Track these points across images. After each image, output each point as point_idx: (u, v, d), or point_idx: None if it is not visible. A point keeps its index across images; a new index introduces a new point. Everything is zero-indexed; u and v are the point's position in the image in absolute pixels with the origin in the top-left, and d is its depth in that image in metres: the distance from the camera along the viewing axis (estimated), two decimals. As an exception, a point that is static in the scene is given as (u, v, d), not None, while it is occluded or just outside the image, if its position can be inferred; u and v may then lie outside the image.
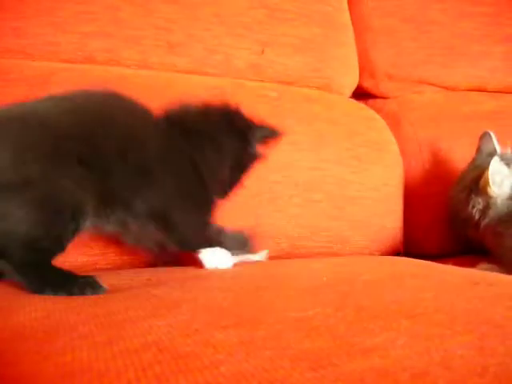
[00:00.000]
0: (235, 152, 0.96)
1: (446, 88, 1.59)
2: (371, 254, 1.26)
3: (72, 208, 0.78)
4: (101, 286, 0.76)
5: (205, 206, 0.95)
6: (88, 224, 0.82)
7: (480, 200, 1.21)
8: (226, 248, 0.92)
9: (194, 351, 0.47)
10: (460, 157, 1.37)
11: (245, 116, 0.97)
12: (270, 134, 0.98)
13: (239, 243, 0.96)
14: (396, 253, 1.30)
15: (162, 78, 1.20)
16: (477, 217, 1.22)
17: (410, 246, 1.36)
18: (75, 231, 0.80)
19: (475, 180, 1.22)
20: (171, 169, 0.90)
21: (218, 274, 0.88)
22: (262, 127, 0.97)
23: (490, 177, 1.17)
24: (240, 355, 0.46)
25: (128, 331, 0.53)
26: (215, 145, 0.94)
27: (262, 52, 1.31)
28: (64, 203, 0.78)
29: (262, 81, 1.32)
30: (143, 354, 0.47)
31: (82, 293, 0.74)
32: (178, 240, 0.92)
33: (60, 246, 0.79)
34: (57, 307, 0.65)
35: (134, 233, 0.90)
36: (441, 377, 0.41)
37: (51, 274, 0.76)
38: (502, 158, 1.20)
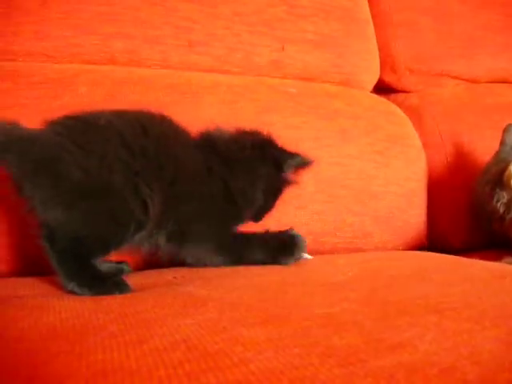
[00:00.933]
0: (269, 179, 0.98)
1: (468, 80, 1.58)
2: (395, 248, 1.26)
3: (132, 221, 0.81)
4: (127, 286, 0.77)
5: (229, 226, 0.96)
6: (137, 238, 0.85)
7: (504, 194, 1.20)
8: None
9: (223, 349, 0.48)
10: (483, 150, 1.36)
11: (277, 144, 0.99)
12: (302, 163, 1.00)
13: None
14: (420, 247, 1.29)
15: (184, 77, 1.21)
16: (501, 211, 1.21)
17: (435, 240, 1.35)
18: (126, 241, 0.83)
19: (499, 174, 1.21)
20: (202, 191, 0.91)
21: (243, 272, 0.88)
22: (294, 155, 0.98)
23: (513, 171, 1.16)
24: (269, 352, 0.46)
25: (157, 330, 0.54)
26: (250, 172, 0.96)
27: (283, 49, 1.31)
28: (126, 216, 0.81)
29: (282, 78, 1.32)
30: (173, 352, 0.47)
31: (108, 293, 0.75)
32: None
33: (106, 249, 0.82)
34: (85, 307, 0.66)
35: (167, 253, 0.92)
36: (469, 372, 0.41)
37: (83, 271, 0.77)
38: (526, 152, 1.19)
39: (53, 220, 0.78)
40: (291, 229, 0.96)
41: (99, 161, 0.80)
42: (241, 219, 0.97)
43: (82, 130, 0.82)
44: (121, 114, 0.88)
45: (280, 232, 0.95)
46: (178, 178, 0.87)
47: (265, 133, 0.99)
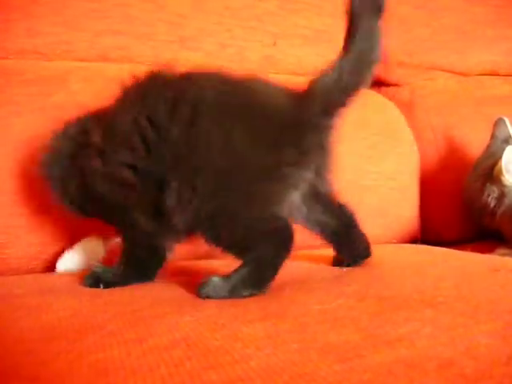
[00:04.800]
0: None
1: (459, 74, 1.58)
2: (389, 242, 1.26)
3: None
4: None
5: None
6: None
7: (495, 188, 1.20)
8: None
9: (223, 346, 0.48)
10: (475, 142, 1.36)
11: None
12: None
13: None
14: (413, 240, 1.30)
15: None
16: (492, 205, 1.21)
17: (428, 233, 1.36)
18: None
19: (490, 168, 1.21)
20: None
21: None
22: None
23: (503, 166, 1.16)
24: (268, 349, 0.47)
25: (156, 328, 0.54)
26: None
27: (275, 44, 1.31)
28: None
29: (275, 73, 1.32)
30: (173, 350, 0.48)
31: None
32: None
33: None
34: (83, 305, 0.66)
35: None
36: (467, 366, 0.42)
37: None
38: (517, 146, 1.19)
39: None
40: None
41: None
42: None
43: None
44: None
45: None
46: None
47: None
